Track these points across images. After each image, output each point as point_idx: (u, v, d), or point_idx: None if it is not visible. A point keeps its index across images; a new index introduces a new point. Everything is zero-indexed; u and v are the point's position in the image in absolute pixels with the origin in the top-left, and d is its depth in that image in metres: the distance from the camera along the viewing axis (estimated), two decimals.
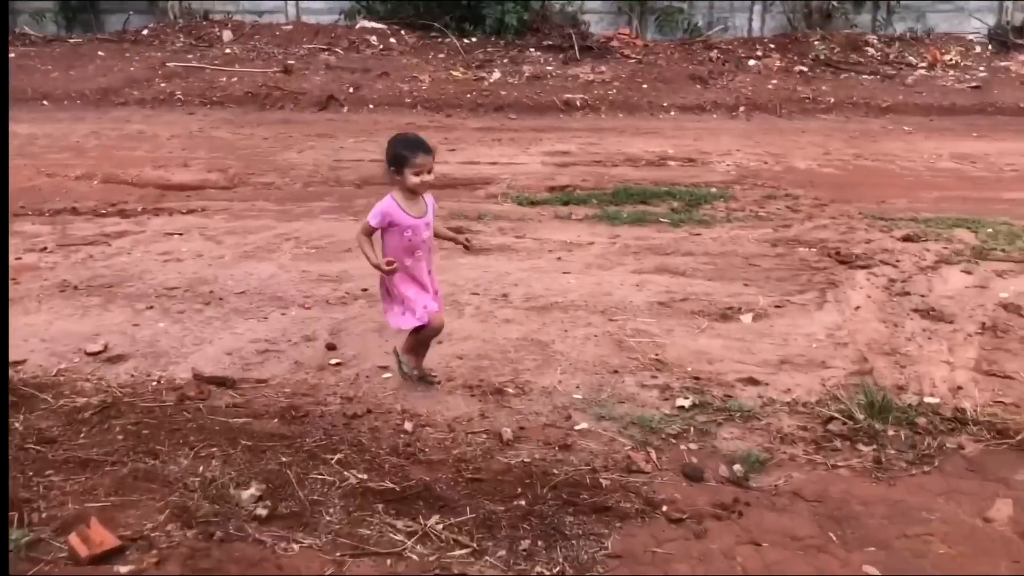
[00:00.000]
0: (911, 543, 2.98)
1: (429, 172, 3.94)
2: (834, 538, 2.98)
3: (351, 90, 14.15)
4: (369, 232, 4.02)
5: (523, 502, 3.09)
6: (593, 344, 4.81)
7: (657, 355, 4.67)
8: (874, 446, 3.70)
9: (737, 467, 3.50)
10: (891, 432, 3.81)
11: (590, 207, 7.86)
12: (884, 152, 10.26)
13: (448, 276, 5.95)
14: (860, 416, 3.91)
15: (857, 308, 5.39)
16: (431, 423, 3.87)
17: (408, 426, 3.80)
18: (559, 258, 6.38)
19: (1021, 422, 3.83)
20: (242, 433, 3.71)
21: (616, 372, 4.46)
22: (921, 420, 3.93)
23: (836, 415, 3.93)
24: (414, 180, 3.91)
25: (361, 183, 8.83)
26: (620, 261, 6.30)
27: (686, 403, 4.08)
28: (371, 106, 13.74)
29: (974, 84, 14.23)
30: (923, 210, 7.76)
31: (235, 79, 14.63)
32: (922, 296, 5.59)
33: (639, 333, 4.96)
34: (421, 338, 4.22)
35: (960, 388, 4.31)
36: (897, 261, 6.27)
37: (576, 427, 3.84)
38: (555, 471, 3.38)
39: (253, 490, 3.14)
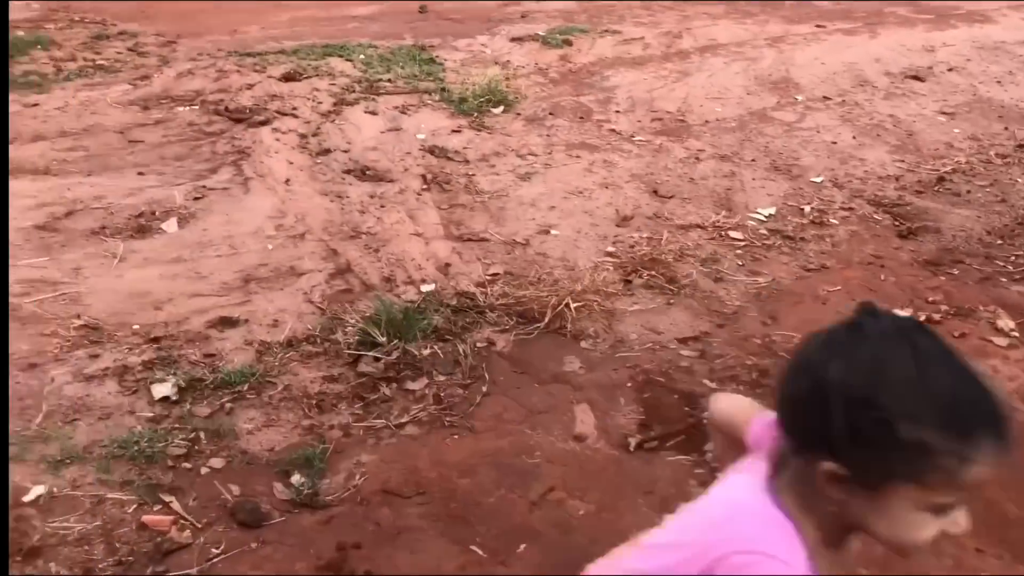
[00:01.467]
0: (548, 512, 2.45)
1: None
2: (480, 551, 2.29)
3: None
4: None
5: None
6: None
7: (79, 317, 3.23)
8: (424, 380, 3.04)
9: (296, 478, 2.53)
10: (427, 352, 3.18)
11: None
12: None
13: None
14: (384, 340, 3.19)
15: (288, 181, 4.50)
16: None
17: None
18: None
19: (536, 298, 3.52)
20: None
21: (33, 366, 2.94)
22: (438, 320, 3.38)
23: (360, 351, 3.14)
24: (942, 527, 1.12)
25: None
26: None
27: (168, 391, 2.85)
28: None
29: None
30: (282, 37, 6.97)
31: None
32: (345, 152, 4.93)
33: (35, 286, 3.38)
34: None
35: (448, 265, 3.84)
36: (294, 109, 5.45)
37: (26, 497, 2.37)
38: None
39: None
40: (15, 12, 6.91)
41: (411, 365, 3.09)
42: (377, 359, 3.09)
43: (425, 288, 3.67)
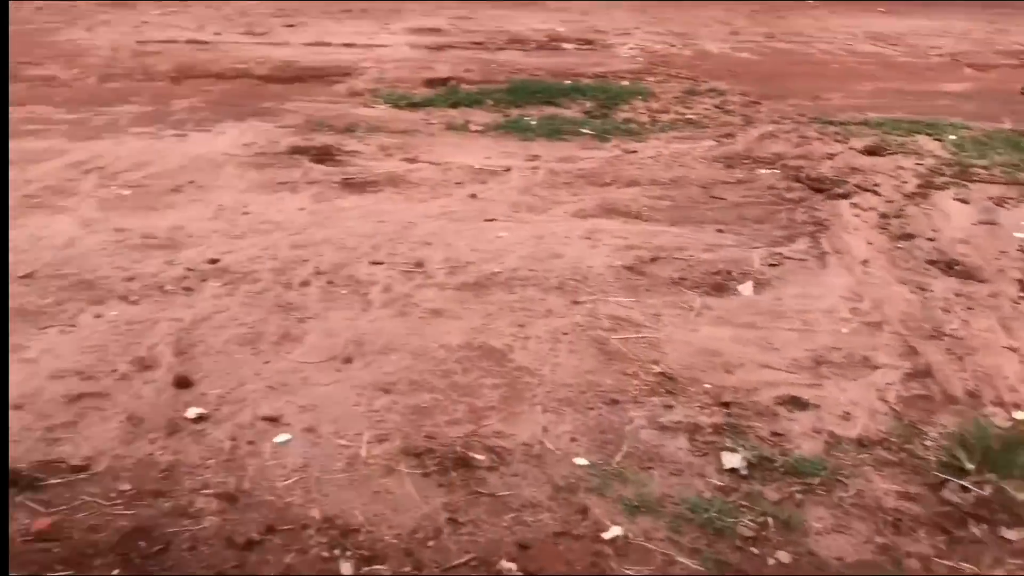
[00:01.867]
0: None
1: None
2: None
3: None
4: None
5: None
6: (567, 349, 3.43)
7: (657, 363, 3.37)
8: (1021, 530, 2.61)
9: None
10: (1021, 496, 2.73)
11: (487, 110, 6.31)
12: (796, 32, 9.16)
13: (329, 231, 4.35)
14: (969, 466, 2.82)
15: (865, 262, 4.28)
16: (376, 551, 2.41)
17: (346, 569, 2.33)
18: (473, 195, 4.87)
19: None
20: None
21: (615, 402, 3.13)
22: None
23: (946, 475, 2.81)
24: None
25: (178, 75, 6.79)
26: (554, 198, 4.87)
27: (737, 463, 2.83)
28: None
29: None
30: (865, 107, 6.74)
31: None
32: (930, 240, 4.54)
33: (621, 324, 3.62)
34: None
35: None
36: (876, 185, 5.20)
37: (605, 535, 2.51)
38: None
39: None
40: (621, 63, 7.69)
41: (1007, 507, 2.68)
42: (966, 489, 2.74)
43: (1018, 415, 3.19)
